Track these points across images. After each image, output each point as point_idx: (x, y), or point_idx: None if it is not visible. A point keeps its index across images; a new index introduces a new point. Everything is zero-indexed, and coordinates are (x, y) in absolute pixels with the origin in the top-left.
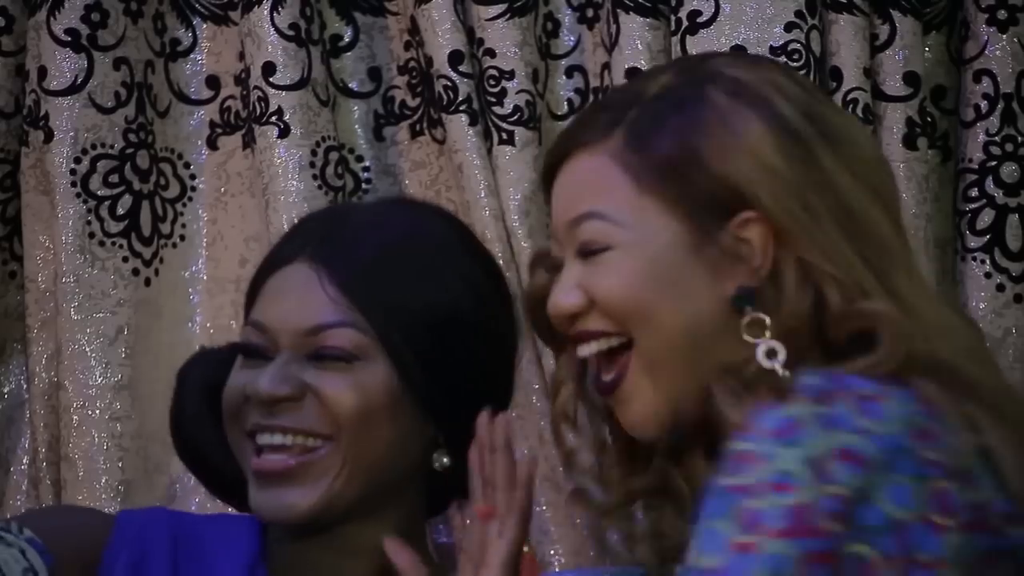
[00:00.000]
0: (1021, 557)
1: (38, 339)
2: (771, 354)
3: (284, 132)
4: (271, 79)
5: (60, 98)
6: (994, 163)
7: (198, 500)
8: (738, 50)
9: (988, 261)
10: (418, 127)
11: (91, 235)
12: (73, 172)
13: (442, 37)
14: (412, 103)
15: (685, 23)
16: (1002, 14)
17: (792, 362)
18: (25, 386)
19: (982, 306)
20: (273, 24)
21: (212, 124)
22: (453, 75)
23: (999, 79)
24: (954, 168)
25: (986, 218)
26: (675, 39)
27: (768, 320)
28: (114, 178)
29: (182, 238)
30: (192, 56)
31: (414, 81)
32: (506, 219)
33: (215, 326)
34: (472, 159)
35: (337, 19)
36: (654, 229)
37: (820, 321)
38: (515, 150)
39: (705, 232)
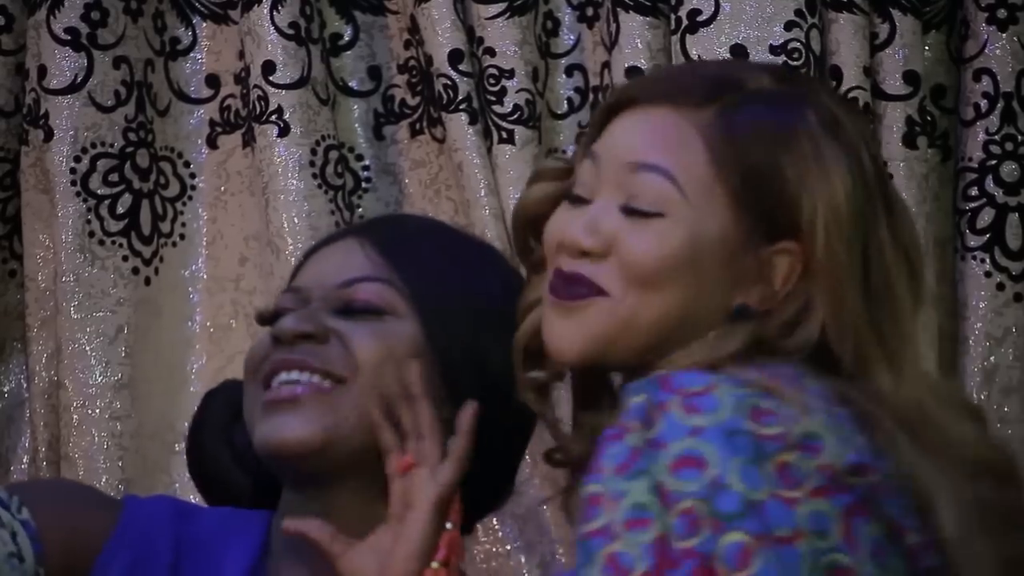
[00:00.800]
0: (878, 503)
1: (38, 338)
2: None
3: (284, 131)
4: (271, 78)
5: (60, 97)
6: (994, 162)
7: (197, 499)
8: (738, 50)
9: (988, 260)
10: (418, 126)
11: (91, 234)
12: (73, 171)
13: (442, 36)
14: (412, 102)
15: (685, 22)
16: (1002, 13)
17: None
18: (25, 385)
19: (982, 305)
20: (273, 23)
21: (212, 123)
22: (453, 74)
23: (999, 78)
24: (954, 167)
25: (986, 217)
26: (675, 38)
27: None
28: (114, 177)
29: (182, 237)
30: (192, 55)
31: (414, 80)
32: (506, 219)
33: (215, 325)
34: (472, 158)
35: (337, 18)
36: (712, 217)
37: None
38: (515, 149)
39: (750, 242)
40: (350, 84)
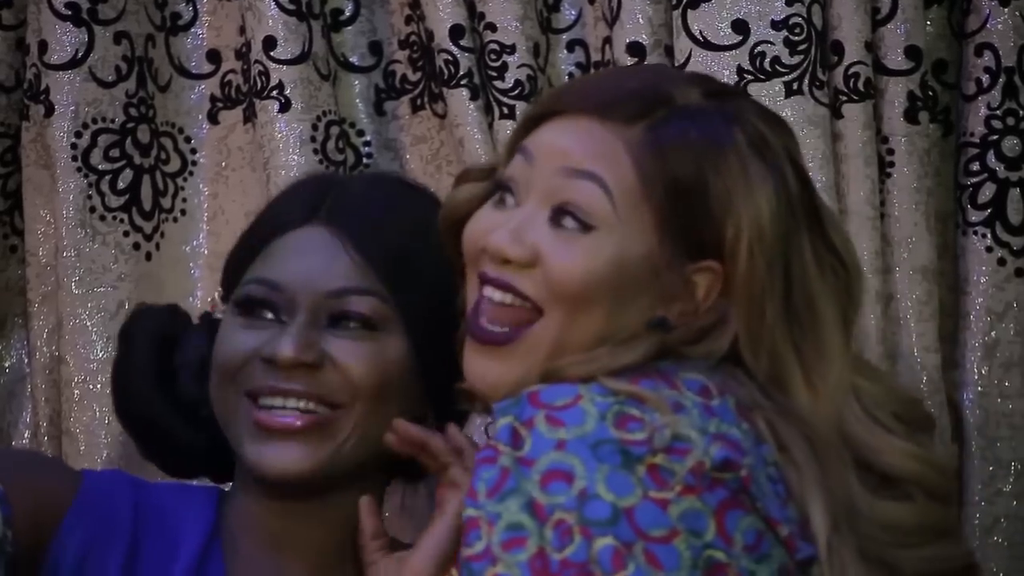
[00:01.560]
0: (751, 495)
1: (39, 313)
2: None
3: (285, 106)
4: (272, 53)
5: (61, 72)
6: (995, 137)
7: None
8: (740, 25)
9: (989, 235)
10: (419, 101)
11: (92, 209)
12: (74, 146)
13: (443, 11)
14: (413, 77)
15: None
16: None
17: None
18: (26, 360)
19: (983, 280)
20: None
21: (213, 98)
22: (454, 49)
23: (1001, 53)
24: (955, 142)
25: (987, 192)
26: (676, 13)
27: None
28: (115, 152)
29: (183, 212)
30: (193, 30)
31: (415, 55)
32: None
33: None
34: (473, 133)
35: None
36: (639, 234)
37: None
38: (516, 124)
39: (674, 260)
40: (351, 59)
